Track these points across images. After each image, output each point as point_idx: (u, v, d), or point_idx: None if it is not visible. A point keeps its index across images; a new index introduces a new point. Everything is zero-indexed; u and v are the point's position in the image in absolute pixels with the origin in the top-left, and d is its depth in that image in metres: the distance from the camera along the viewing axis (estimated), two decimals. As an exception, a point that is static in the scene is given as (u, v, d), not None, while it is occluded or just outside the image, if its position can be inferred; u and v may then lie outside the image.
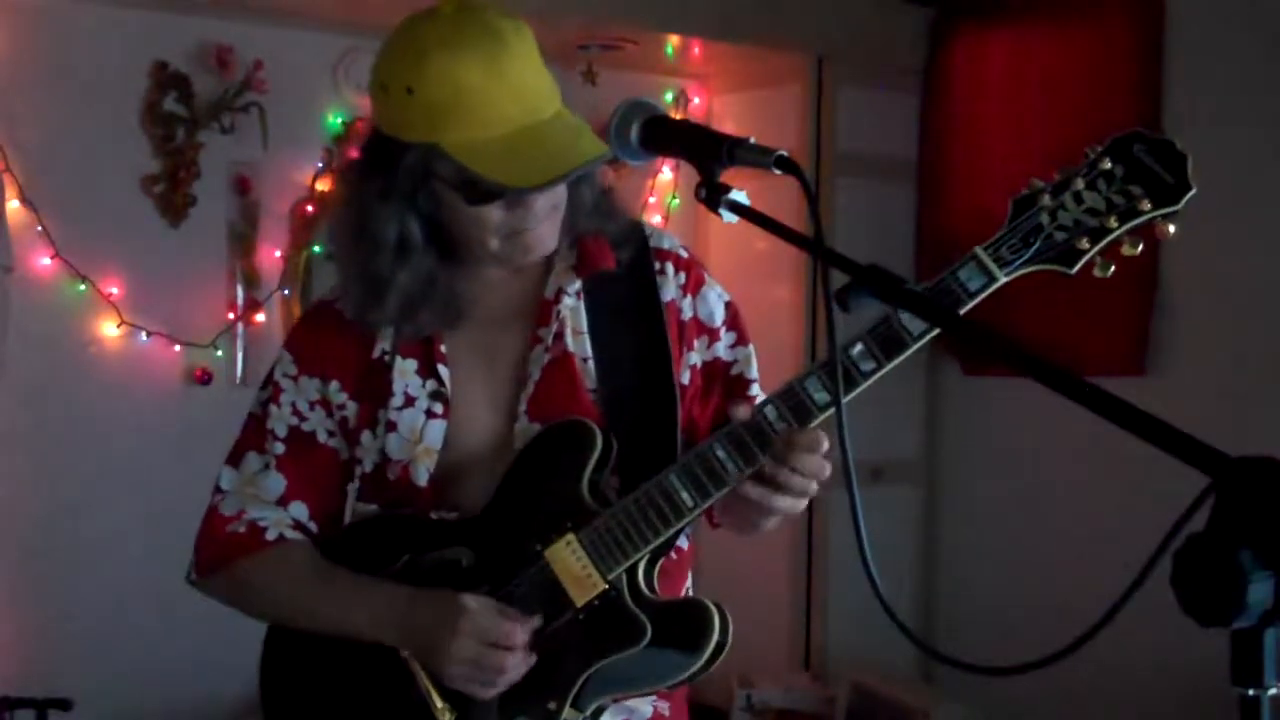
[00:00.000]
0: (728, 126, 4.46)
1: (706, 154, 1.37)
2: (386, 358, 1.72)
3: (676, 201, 4.54)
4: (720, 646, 1.62)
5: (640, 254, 1.75)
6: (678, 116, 4.60)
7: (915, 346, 1.54)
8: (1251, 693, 0.87)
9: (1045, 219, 1.50)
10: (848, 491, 1.19)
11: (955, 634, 4.48)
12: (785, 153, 1.31)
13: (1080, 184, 1.49)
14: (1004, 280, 1.52)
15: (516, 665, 1.61)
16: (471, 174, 1.55)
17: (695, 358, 1.76)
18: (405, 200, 1.63)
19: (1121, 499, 3.83)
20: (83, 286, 3.59)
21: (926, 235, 4.50)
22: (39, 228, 3.52)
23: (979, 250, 1.52)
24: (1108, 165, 1.49)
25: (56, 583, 3.58)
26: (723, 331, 1.78)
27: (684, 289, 1.76)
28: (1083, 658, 1.01)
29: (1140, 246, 1.50)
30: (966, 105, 4.42)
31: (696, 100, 4.66)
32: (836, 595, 4.36)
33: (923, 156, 4.54)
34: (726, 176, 1.37)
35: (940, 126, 4.49)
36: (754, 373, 1.81)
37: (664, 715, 1.78)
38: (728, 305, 1.79)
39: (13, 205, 3.48)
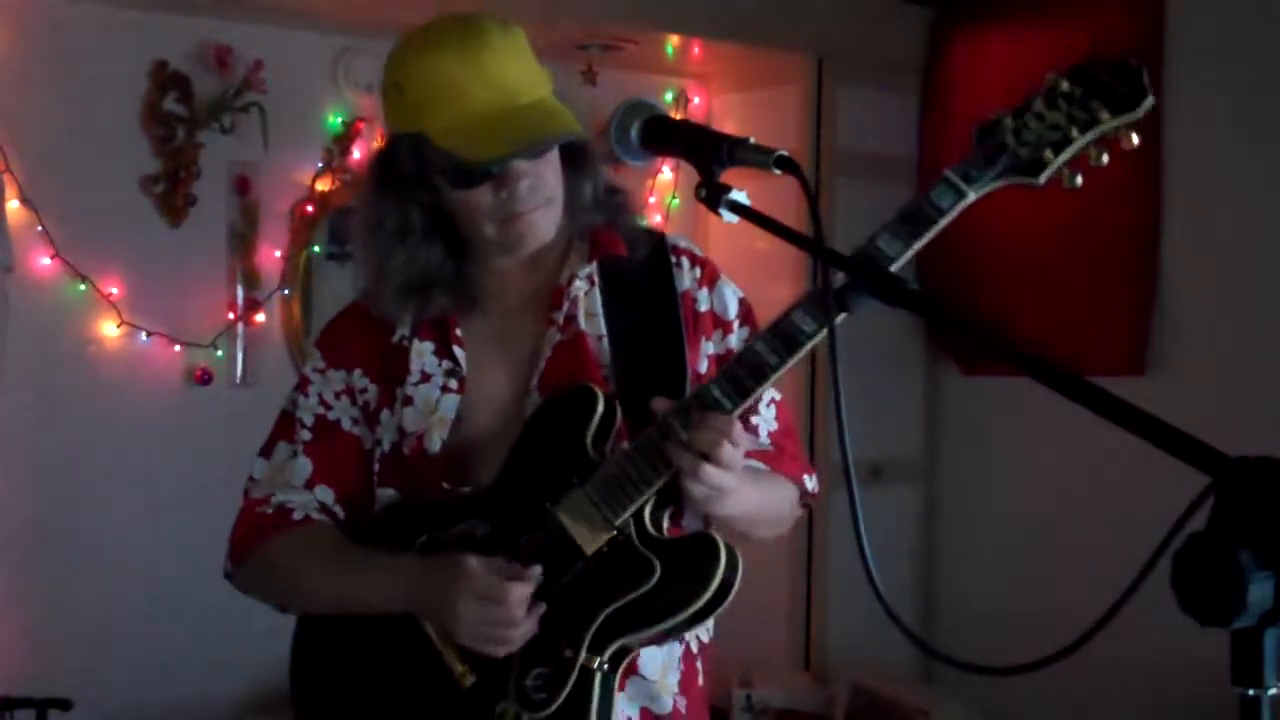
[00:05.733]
0: (728, 126, 4.46)
1: (706, 154, 1.38)
2: (404, 341, 1.80)
3: (676, 201, 4.54)
4: (728, 581, 1.62)
5: (657, 249, 1.81)
6: (678, 116, 4.61)
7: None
8: (1251, 693, 0.87)
9: (1010, 138, 1.52)
10: (848, 491, 1.19)
11: (955, 634, 4.48)
12: (785, 153, 1.31)
13: (1040, 104, 1.51)
14: (973, 196, 1.53)
15: (524, 619, 1.63)
16: (448, 155, 1.64)
17: (710, 347, 1.80)
18: (404, 191, 1.72)
19: (1121, 499, 3.83)
20: (83, 286, 3.59)
21: (926, 235, 4.50)
22: (39, 228, 3.52)
23: (947, 172, 1.52)
24: (1066, 86, 1.51)
25: (56, 582, 3.58)
26: (736, 325, 1.82)
27: (699, 281, 1.81)
28: (1083, 658, 1.01)
29: (1106, 157, 1.51)
30: (966, 105, 4.41)
31: (696, 100, 4.66)
32: (836, 595, 4.36)
33: (923, 156, 4.54)
34: (726, 176, 1.37)
35: (940, 126, 4.49)
36: None
37: (681, 712, 1.79)
38: (741, 301, 1.84)
39: (13, 205, 3.48)
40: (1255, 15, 3.75)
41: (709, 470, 1.58)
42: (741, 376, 1.58)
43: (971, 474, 4.55)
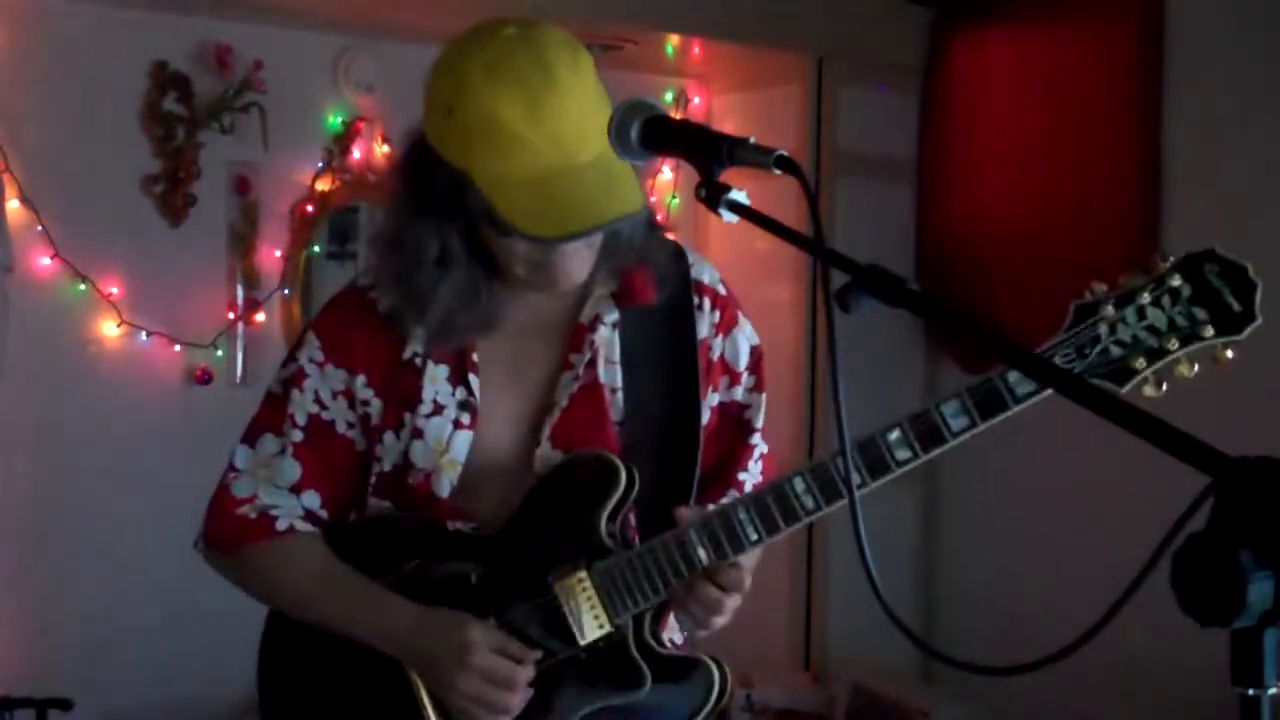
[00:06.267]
0: (728, 126, 4.46)
1: (706, 154, 1.37)
2: (418, 360, 1.71)
3: (676, 201, 4.54)
4: (719, 701, 1.64)
5: (681, 288, 1.74)
6: (678, 116, 4.60)
7: (954, 443, 1.53)
8: (1251, 693, 0.87)
9: (1104, 330, 1.47)
10: (848, 492, 1.19)
11: (955, 634, 4.48)
12: (785, 153, 1.30)
13: (1146, 298, 1.46)
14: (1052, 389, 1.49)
15: (520, 705, 1.62)
16: (494, 209, 1.53)
17: (715, 398, 1.77)
18: (442, 215, 1.61)
19: (1121, 499, 3.83)
20: (83, 286, 3.59)
21: (926, 235, 4.50)
22: (39, 228, 3.52)
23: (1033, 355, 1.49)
24: (1176, 282, 1.45)
25: (57, 582, 3.58)
26: (744, 375, 1.79)
27: (716, 328, 1.77)
28: (1083, 658, 1.01)
29: (1196, 368, 1.46)
30: (966, 105, 4.41)
31: (696, 100, 4.66)
32: (836, 595, 4.35)
33: (923, 156, 4.54)
34: (726, 176, 1.37)
35: (940, 126, 4.48)
36: (760, 421, 1.81)
37: None
38: (754, 350, 1.80)
39: (13, 205, 3.48)
40: (1255, 15, 3.75)
41: (708, 621, 1.61)
42: (773, 512, 1.57)
43: (971, 474, 4.55)
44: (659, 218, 1.77)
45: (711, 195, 1.35)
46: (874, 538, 1.16)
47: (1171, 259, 1.46)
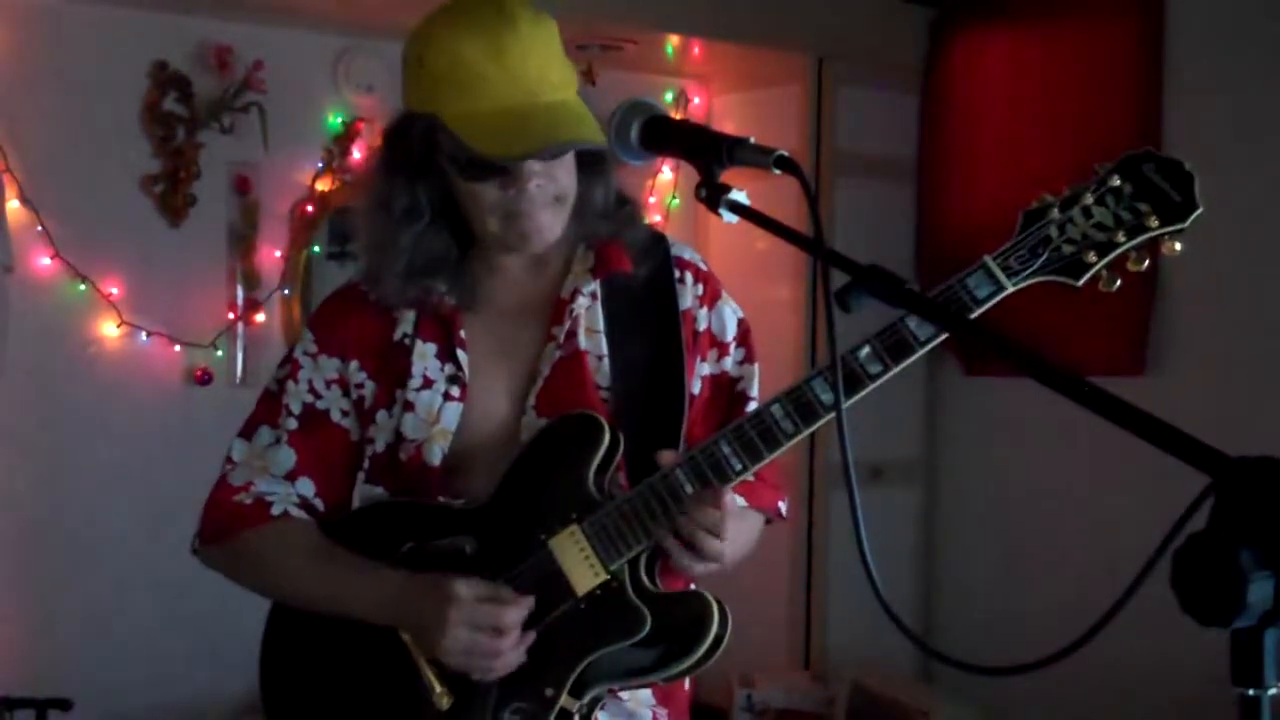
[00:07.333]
0: (728, 126, 4.46)
1: (706, 154, 1.37)
2: (407, 340, 1.75)
3: (676, 201, 4.54)
4: (719, 639, 1.63)
5: (662, 264, 1.77)
6: (678, 116, 4.61)
7: (922, 351, 1.55)
8: (1251, 693, 0.87)
9: (1054, 232, 1.51)
10: (848, 491, 1.19)
11: (955, 634, 4.48)
12: (785, 153, 1.31)
13: (1089, 199, 1.50)
14: (1011, 290, 1.53)
15: (512, 648, 1.62)
16: (460, 144, 1.59)
17: (705, 368, 1.79)
18: (415, 171, 1.68)
19: (1121, 499, 3.83)
20: (83, 286, 3.59)
21: (926, 235, 4.50)
22: (39, 228, 3.52)
23: (988, 259, 1.52)
24: (1117, 182, 1.50)
25: (56, 582, 3.58)
26: (733, 347, 1.81)
27: (700, 300, 1.78)
28: (1083, 658, 1.01)
29: (1146, 262, 1.52)
30: (966, 105, 4.42)
31: (696, 100, 4.66)
32: (836, 595, 4.36)
33: (923, 156, 4.54)
34: (726, 176, 1.37)
35: (940, 126, 4.49)
36: (755, 391, 1.82)
37: None
38: (740, 322, 1.82)
39: (13, 205, 3.48)
40: (1255, 16, 3.76)
41: (707, 544, 1.59)
42: (754, 439, 1.58)
43: (971, 474, 4.55)
44: (630, 197, 1.80)
45: (711, 195, 1.35)
46: (874, 538, 1.16)
47: (1109, 164, 1.51)
